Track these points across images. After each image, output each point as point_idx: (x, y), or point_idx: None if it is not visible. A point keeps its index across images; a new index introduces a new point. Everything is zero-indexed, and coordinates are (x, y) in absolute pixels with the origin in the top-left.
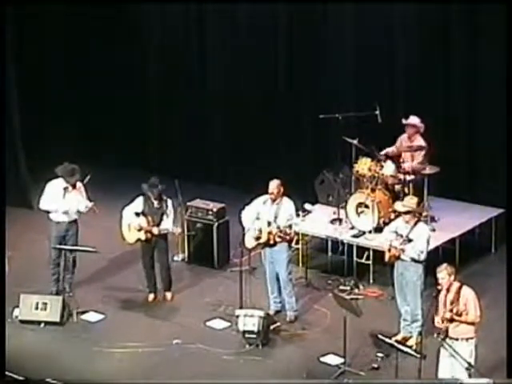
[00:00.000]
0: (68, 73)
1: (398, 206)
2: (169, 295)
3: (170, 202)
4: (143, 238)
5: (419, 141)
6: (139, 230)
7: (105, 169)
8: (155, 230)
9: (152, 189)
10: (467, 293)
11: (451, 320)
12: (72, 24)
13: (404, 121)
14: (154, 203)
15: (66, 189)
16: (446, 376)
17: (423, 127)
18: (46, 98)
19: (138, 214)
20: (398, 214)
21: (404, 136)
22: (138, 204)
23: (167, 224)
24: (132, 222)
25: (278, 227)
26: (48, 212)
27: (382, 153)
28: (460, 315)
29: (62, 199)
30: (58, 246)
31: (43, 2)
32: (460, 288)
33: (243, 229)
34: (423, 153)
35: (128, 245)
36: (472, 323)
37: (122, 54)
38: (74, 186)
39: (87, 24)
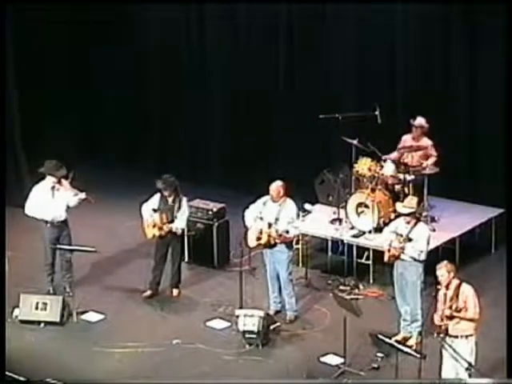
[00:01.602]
0: (68, 73)
1: (399, 207)
2: (175, 292)
3: (184, 199)
4: (157, 234)
5: (425, 141)
6: (153, 226)
7: (105, 168)
8: (166, 228)
9: (166, 186)
10: (466, 289)
11: (451, 317)
12: (72, 23)
13: (414, 122)
14: (168, 200)
15: (53, 188)
16: (450, 376)
17: (427, 126)
18: (46, 98)
19: (155, 211)
20: (399, 214)
21: (407, 137)
22: (155, 200)
23: (178, 223)
24: (149, 218)
25: (277, 231)
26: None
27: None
28: (459, 312)
29: (51, 199)
30: (58, 247)
31: (43, 2)
32: (459, 285)
33: (246, 227)
34: (433, 151)
35: (150, 239)
36: (471, 320)
37: (122, 54)
38: (59, 182)
39: (87, 23)
